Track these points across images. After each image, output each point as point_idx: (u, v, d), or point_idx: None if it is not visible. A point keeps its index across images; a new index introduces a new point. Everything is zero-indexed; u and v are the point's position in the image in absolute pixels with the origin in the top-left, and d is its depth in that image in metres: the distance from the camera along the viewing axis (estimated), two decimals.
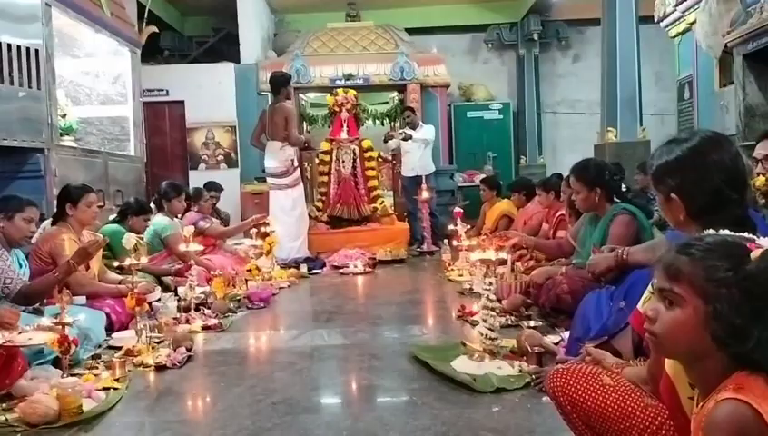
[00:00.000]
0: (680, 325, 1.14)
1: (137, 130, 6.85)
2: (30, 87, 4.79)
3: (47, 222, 4.07)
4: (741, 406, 1.04)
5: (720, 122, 6.87)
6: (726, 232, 1.18)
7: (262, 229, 6.07)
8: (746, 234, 1.18)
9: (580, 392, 1.61)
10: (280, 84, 6.86)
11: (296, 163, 6.92)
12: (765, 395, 1.05)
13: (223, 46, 10.74)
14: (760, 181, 2.71)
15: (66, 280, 3.61)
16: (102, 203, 5.59)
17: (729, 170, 1.57)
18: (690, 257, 1.14)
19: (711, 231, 1.19)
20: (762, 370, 1.08)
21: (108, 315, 3.72)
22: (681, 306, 1.14)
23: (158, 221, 5.25)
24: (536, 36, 11.62)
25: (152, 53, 9.64)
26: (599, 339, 2.26)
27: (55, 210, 3.99)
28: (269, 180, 7.04)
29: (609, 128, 7.76)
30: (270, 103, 7.31)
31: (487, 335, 2.88)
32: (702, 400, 1.18)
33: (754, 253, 1.10)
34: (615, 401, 1.57)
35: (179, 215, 5.57)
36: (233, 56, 9.80)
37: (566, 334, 3.00)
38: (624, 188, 5.84)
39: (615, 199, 3.44)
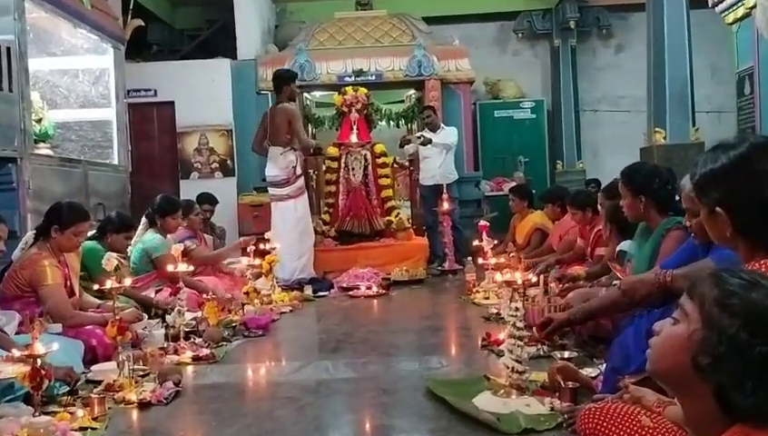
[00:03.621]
0: (670, 342, 1.20)
1: (121, 135, 6.94)
2: (0, 89, 4.89)
3: (29, 235, 4.14)
4: None
5: None
6: None
7: (261, 246, 6.11)
8: None
9: (615, 435, 1.61)
10: (281, 81, 6.94)
11: (299, 171, 6.97)
12: None
13: (218, 40, 10.85)
14: None
15: (47, 308, 3.70)
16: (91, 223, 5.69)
17: None
18: (714, 278, 1.18)
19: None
20: (754, 423, 1.09)
21: (94, 348, 3.76)
22: (682, 323, 1.19)
23: (149, 238, 5.31)
24: (572, 24, 11.60)
25: (138, 48, 9.76)
26: (641, 374, 2.24)
27: (40, 223, 4.05)
28: (270, 190, 7.11)
29: (657, 128, 7.72)
30: (271, 103, 7.37)
31: (513, 368, 2.88)
32: None
33: None
34: None
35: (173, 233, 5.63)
36: (229, 51, 9.90)
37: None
38: (678, 198, 5.84)
39: (669, 211, 3.40)
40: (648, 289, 2.64)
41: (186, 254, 5.58)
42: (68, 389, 3.23)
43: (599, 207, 4.83)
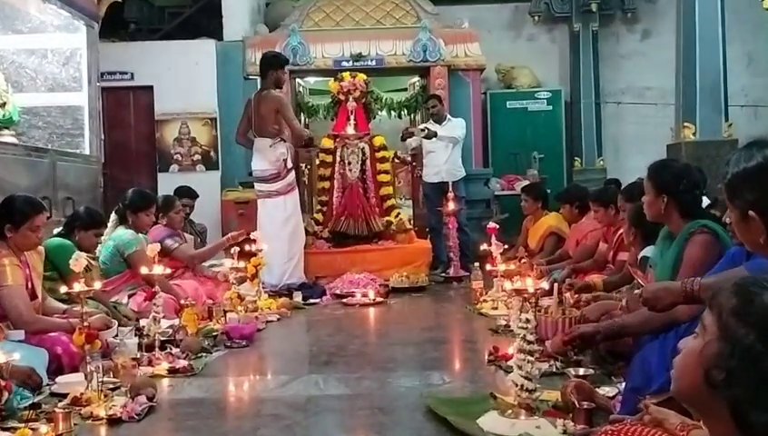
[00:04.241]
0: (689, 358, 1.21)
1: (93, 123, 6.93)
2: None
3: None
4: None
5: None
6: None
7: (246, 247, 6.11)
8: None
9: None
10: (267, 66, 6.93)
11: (289, 165, 6.96)
12: None
13: (202, 19, 10.87)
14: None
15: (7, 311, 3.69)
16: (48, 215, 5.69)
17: None
18: (736, 287, 1.18)
19: None
20: None
21: (59, 356, 3.75)
22: (700, 337, 1.20)
23: (119, 235, 5.30)
24: (594, 7, 11.60)
25: (113, 27, 9.77)
26: (663, 394, 2.24)
27: None
28: (256, 185, 7.10)
29: (686, 123, 7.73)
30: (257, 90, 7.36)
31: (522, 386, 2.87)
32: None
33: None
34: None
35: (145, 231, 5.62)
36: (215, 32, 9.92)
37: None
38: (707, 201, 5.84)
39: (692, 217, 3.40)
40: (674, 298, 2.61)
41: (168, 254, 5.60)
42: (30, 402, 3.23)
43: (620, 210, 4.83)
